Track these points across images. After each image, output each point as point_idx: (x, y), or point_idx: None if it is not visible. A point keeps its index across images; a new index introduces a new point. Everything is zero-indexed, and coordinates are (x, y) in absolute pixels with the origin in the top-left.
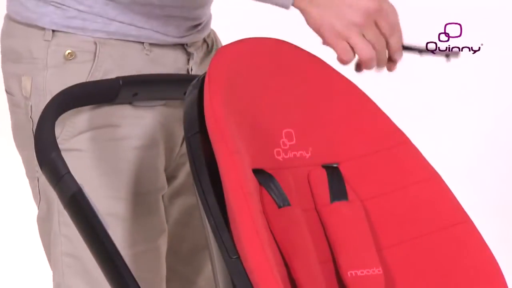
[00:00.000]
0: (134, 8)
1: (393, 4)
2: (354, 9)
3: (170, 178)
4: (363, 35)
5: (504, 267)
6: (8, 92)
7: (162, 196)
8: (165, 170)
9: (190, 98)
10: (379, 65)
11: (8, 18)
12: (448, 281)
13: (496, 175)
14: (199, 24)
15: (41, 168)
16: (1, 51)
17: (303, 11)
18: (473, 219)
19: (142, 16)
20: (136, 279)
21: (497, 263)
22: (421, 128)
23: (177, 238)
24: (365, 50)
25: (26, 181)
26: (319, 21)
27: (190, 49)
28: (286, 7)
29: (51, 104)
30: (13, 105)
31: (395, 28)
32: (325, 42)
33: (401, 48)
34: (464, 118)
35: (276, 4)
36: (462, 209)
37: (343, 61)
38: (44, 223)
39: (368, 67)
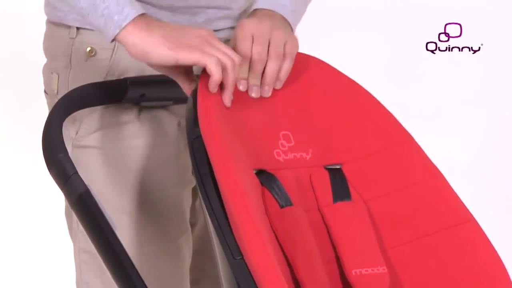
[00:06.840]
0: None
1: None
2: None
3: None
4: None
5: (510, 267)
6: (45, 90)
7: (194, 198)
8: None
9: (191, 102)
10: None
11: (47, 21)
12: (452, 281)
13: (502, 176)
14: (227, 18)
15: (48, 169)
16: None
17: (123, 42)
18: (480, 219)
19: (166, 11)
20: (152, 277)
21: (502, 262)
22: (425, 129)
23: (206, 239)
24: (212, 71)
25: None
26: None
27: None
28: (108, 38)
29: (59, 105)
30: (48, 103)
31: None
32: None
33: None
34: (465, 119)
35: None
36: (466, 208)
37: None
38: (67, 218)
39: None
